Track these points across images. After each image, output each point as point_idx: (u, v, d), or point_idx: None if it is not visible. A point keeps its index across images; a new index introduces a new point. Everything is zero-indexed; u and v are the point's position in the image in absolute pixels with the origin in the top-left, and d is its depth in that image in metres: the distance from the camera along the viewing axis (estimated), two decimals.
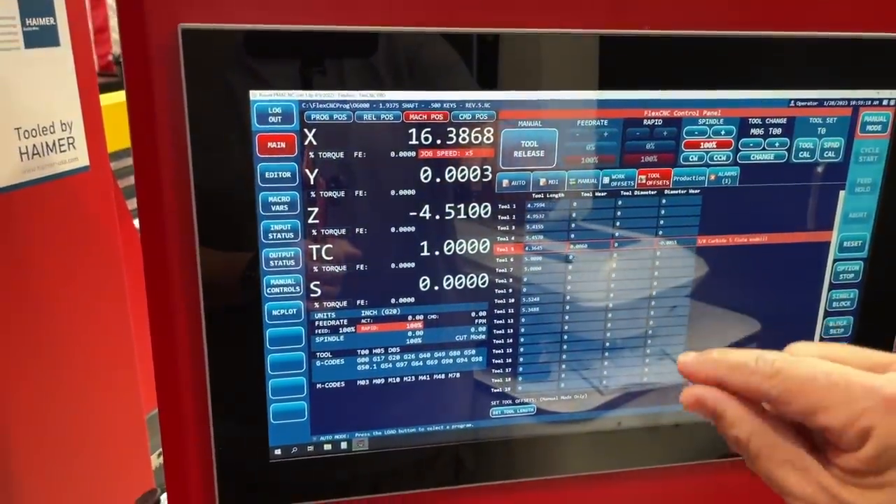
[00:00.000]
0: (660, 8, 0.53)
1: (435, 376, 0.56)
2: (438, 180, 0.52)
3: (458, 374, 0.57)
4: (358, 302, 0.54)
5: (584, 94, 0.52)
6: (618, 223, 0.56)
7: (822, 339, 0.61)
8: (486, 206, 0.53)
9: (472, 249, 0.54)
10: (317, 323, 0.53)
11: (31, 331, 0.73)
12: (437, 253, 0.54)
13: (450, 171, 0.52)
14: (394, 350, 0.55)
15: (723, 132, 0.55)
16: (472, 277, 0.55)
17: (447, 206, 0.53)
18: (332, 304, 0.53)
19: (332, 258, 0.52)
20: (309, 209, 0.51)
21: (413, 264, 0.54)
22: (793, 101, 0.55)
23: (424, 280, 0.54)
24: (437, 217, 0.53)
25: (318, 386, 0.55)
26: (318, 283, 0.53)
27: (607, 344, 0.58)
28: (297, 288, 0.52)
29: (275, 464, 0.56)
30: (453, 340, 0.56)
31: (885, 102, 0.57)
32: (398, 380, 0.56)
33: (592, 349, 0.58)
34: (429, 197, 0.52)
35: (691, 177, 0.56)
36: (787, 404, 0.33)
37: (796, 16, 0.55)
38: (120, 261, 0.84)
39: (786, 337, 0.61)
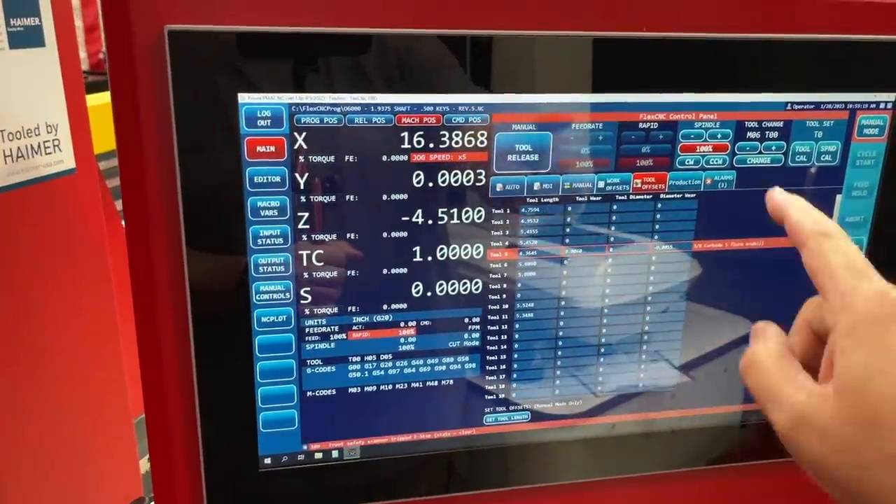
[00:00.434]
0: (656, 10, 0.52)
1: (428, 383, 0.56)
2: (431, 184, 0.51)
3: (451, 381, 0.56)
4: (349, 308, 0.53)
5: (578, 98, 0.52)
6: (613, 228, 0.55)
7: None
8: (479, 211, 0.52)
9: (466, 254, 0.53)
10: (307, 330, 0.52)
11: (17, 335, 0.72)
12: (429, 258, 0.53)
13: (443, 175, 0.51)
14: (386, 357, 0.54)
15: (719, 136, 0.54)
16: (465, 283, 0.54)
17: (440, 210, 0.52)
18: (323, 310, 0.52)
19: (322, 264, 0.51)
20: (299, 214, 0.50)
21: (405, 270, 0.53)
22: (789, 105, 0.55)
23: (417, 286, 0.53)
24: (430, 222, 0.52)
25: (309, 394, 0.54)
26: (308, 289, 0.52)
27: (602, 350, 0.58)
28: (287, 294, 0.51)
29: (265, 473, 0.55)
30: (446, 347, 0.55)
31: (881, 106, 0.56)
32: (390, 387, 0.55)
33: (587, 354, 0.58)
34: (421, 201, 0.51)
35: (687, 181, 0.55)
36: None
37: (793, 18, 0.54)
38: (108, 265, 0.83)
39: None
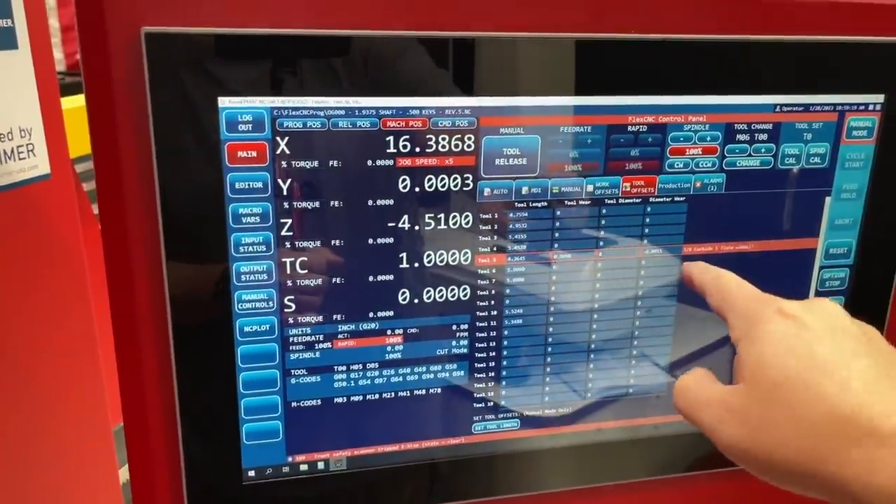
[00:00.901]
0: (644, 12, 0.51)
1: (415, 392, 0.54)
2: (417, 189, 0.50)
3: (438, 390, 0.55)
4: (334, 316, 0.51)
5: (566, 100, 0.51)
6: (602, 232, 0.54)
7: None
8: (467, 216, 0.51)
9: (453, 260, 0.52)
10: (291, 339, 0.51)
11: None
12: (416, 264, 0.52)
13: (429, 179, 0.50)
14: (372, 366, 0.53)
15: (708, 138, 0.54)
16: (453, 289, 0.53)
17: (427, 216, 0.51)
18: (308, 318, 0.51)
19: (306, 271, 0.50)
20: (282, 221, 0.49)
21: (392, 276, 0.52)
22: (779, 107, 0.54)
23: (404, 293, 0.52)
24: (417, 227, 0.51)
25: (294, 404, 0.52)
26: (292, 297, 0.50)
27: (592, 355, 0.57)
28: (270, 303, 0.50)
29: (248, 486, 0.53)
30: (434, 354, 0.54)
31: (870, 107, 0.56)
32: (377, 396, 0.54)
33: (577, 360, 0.57)
34: (408, 207, 0.50)
35: (677, 184, 0.54)
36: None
37: (782, 20, 0.54)
38: (84, 272, 0.81)
39: None
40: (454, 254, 0.52)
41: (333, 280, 0.51)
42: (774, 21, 0.54)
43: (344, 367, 0.53)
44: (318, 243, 0.50)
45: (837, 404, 0.35)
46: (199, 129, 0.46)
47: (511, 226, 0.52)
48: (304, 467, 0.54)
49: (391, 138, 0.49)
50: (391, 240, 0.51)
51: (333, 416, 0.53)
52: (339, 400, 0.53)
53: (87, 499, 0.87)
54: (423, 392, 0.55)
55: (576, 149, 0.52)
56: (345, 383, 0.53)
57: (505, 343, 0.55)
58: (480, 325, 0.54)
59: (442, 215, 0.51)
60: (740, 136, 0.54)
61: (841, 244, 0.58)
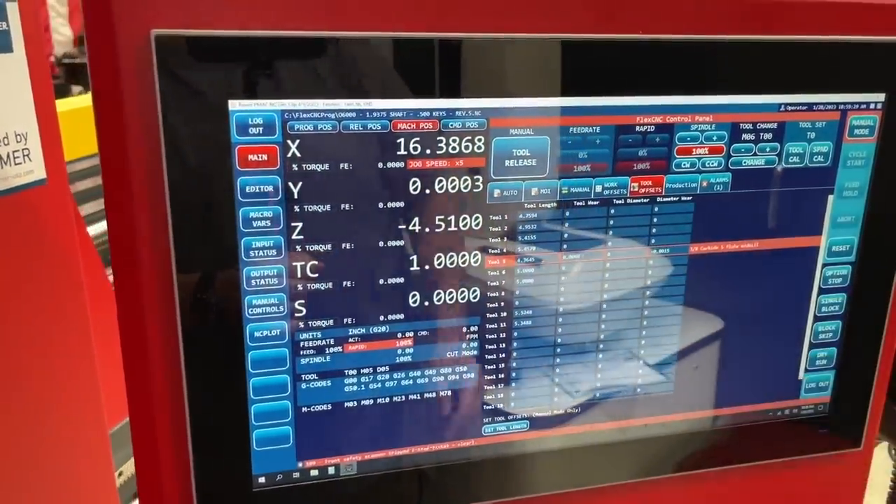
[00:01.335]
0: (651, 13, 0.51)
1: (426, 395, 0.54)
2: (428, 191, 0.50)
3: (449, 392, 0.55)
4: (345, 320, 0.51)
5: (575, 101, 0.51)
6: (611, 232, 0.54)
7: (811, 345, 0.61)
8: (477, 218, 0.51)
9: (464, 262, 0.52)
10: (302, 343, 0.51)
11: None
12: (427, 267, 0.51)
13: (440, 181, 0.50)
14: (383, 369, 0.53)
15: (714, 138, 0.54)
16: (463, 292, 0.53)
17: (437, 218, 0.51)
18: (318, 323, 0.51)
19: (317, 275, 0.50)
20: (292, 224, 0.48)
21: (402, 279, 0.51)
22: (783, 106, 0.55)
23: (414, 295, 0.52)
24: (427, 230, 0.51)
25: (304, 409, 0.52)
26: (302, 301, 0.50)
27: (601, 355, 0.57)
28: (281, 307, 0.50)
29: (258, 493, 0.53)
30: (445, 357, 0.54)
31: (871, 106, 0.56)
32: (387, 400, 0.53)
33: (587, 361, 0.57)
34: (418, 209, 0.50)
35: (683, 184, 0.54)
36: None
37: (785, 19, 0.54)
38: (80, 275, 0.79)
39: (776, 344, 0.61)
40: (464, 256, 0.52)
41: (344, 283, 0.50)
42: (778, 21, 0.54)
43: (355, 371, 0.52)
44: (328, 247, 0.49)
45: None
46: (210, 133, 0.46)
47: (520, 227, 0.52)
48: (314, 473, 0.54)
49: (402, 140, 0.48)
50: (402, 242, 0.51)
51: (344, 420, 0.53)
52: (350, 404, 0.53)
53: (83, 500, 0.86)
54: (434, 395, 0.54)
55: (585, 149, 0.52)
56: (355, 387, 0.53)
57: (515, 344, 0.55)
58: (491, 326, 0.54)
59: (452, 217, 0.51)
60: (746, 136, 0.54)
61: (843, 242, 0.59)
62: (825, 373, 0.62)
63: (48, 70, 0.68)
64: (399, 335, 0.52)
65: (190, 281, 0.48)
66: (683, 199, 0.55)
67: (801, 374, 0.62)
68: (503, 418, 0.56)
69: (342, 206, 0.49)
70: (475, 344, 0.54)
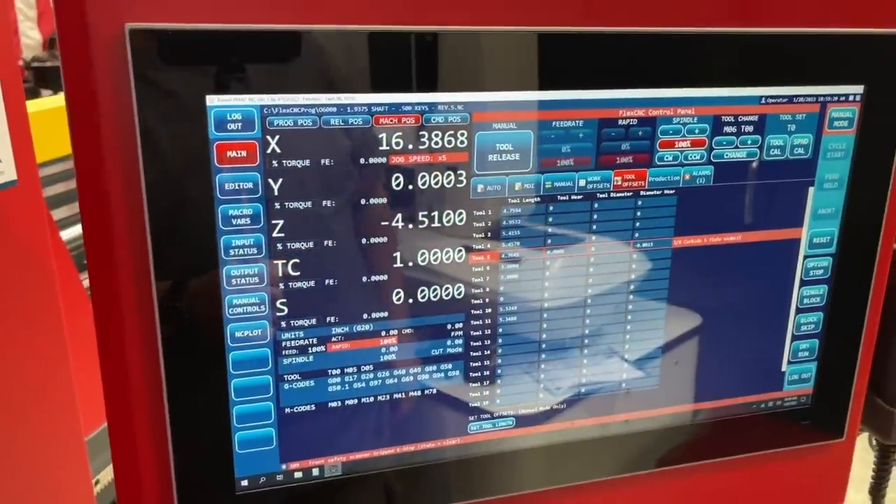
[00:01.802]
0: (633, 6, 0.51)
1: (410, 394, 0.54)
2: (411, 187, 0.49)
3: (434, 390, 0.54)
4: (328, 319, 0.50)
5: (558, 94, 0.50)
6: (594, 227, 0.54)
7: (794, 337, 0.61)
8: (460, 214, 0.51)
9: (447, 259, 0.52)
10: (284, 343, 0.50)
11: None
12: (410, 264, 0.51)
13: (423, 177, 0.49)
14: (367, 368, 0.52)
15: (696, 131, 0.54)
16: (447, 288, 0.52)
17: (420, 214, 0.50)
18: (300, 322, 0.50)
19: (298, 273, 0.49)
20: (273, 222, 0.47)
21: (385, 277, 0.51)
22: (763, 99, 0.55)
23: (398, 293, 0.51)
24: (410, 226, 0.50)
25: (287, 410, 0.51)
26: (284, 300, 0.49)
27: (585, 350, 0.57)
28: (262, 307, 0.49)
29: (241, 496, 0.52)
30: (429, 355, 0.53)
31: (850, 98, 0.57)
32: (372, 399, 0.53)
33: (572, 356, 0.56)
34: (401, 205, 0.49)
35: (666, 177, 0.54)
36: None
37: (764, 13, 0.54)
38: (53, 279, 0.78)
39: (759, 336, 0.61)
40: (448, 252, 0.51)
41: (326, 281, 0.49)
42: (758, 14, 0.54)
43: (338, 371, 0.51)
44: (310, 244, 0.48)
45: None
46: (187, 129, 0.45)
47: (504, 222, 0.52)
48: (298, 475, 0.53)
49: (384, 135, 0.48)
50: (384, 239, 0.50)
51: (328, 421, 0.52)
52: (334, 404, 0.52)
53: None
54: (419, 393, 0.54)
55: (568, 143, 0.52)
56: (339, 387, 0.52)
57: (500, 340, 0.54)
58: (475, 322, 0.53)
59: (436, 213, 0.50)
60: (727, 129, 0.55)
61: (824, 233, 0.59)
62: (807, 364, 0.62)
63: (18, 71, 0.67)
64: (383, 333, 0.52)
65: (168, 281, 0.47)
66: (666, 192, 0.55)
67: (784, 366, 0.62)
68: (489, 416, 0.56)
69: (323, 202, 0.48)
70: (460, 341, 0.53)
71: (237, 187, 0.46)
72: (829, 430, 0.65)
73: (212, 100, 0.44)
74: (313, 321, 0.50)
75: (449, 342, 0.53)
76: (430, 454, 0.55)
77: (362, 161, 0.48)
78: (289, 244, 0.48)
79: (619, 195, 0.54)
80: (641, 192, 0.54)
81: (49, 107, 1.52)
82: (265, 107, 0.45)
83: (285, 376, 0.50)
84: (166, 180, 0.45)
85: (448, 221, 0.51)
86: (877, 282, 0.62)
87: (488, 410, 0.56)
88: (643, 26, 0.51)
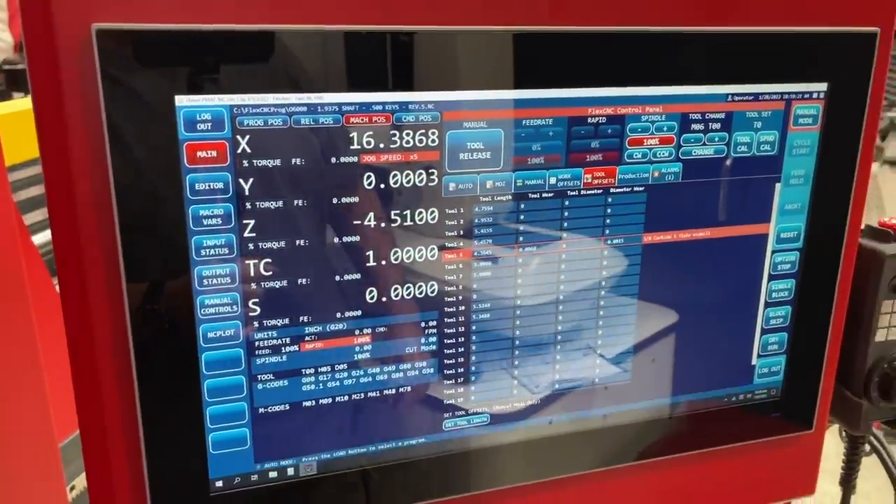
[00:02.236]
0: (601, 5, 0.52)
1: (385, 392, 0.54)
2: (383, 186, 0.49)
3: (408, 388, 0.54)
4: (301, 318, 0.50)
5: (528, 93, 0.51)
6: (565, 224, 0.55)
7: (763, 331, 0.62)
8: (433, 212, 0.51)
9: (420, 257, 0.52)
10: (257, 343, 0.50)
11: None
12: (383, 262, 0.51)
13: (394, 176, 0.50)
14: (341, 367, 0.52)
15: (665, 128, 0.55)
16: (420, 286, 0.52)
17: (393, 213, 0.50)
18: (273, 322, 0.50)
19: (271, 273, 0.49)
20: (244, 222, 0.47)
21: (358, 275, 0.51)
22: (730, 96, 0.56)
23: (371, 292, 0.51)
24: (383, 225, 0.50)
25: (261, 410, 0.51)
26: (256, 300, 0.49)
27: (558, 346, 0.57)
28: (234, 307, 0.49)
29: (216, 497, 0.52)
30: (403, 353, 0.53)
31: (814, 95, 0.58)
32: (346, 398, 0.53)
33: (544, 352, 0.57)
34: (373, 204, 0.50)
35: (636, 174, 0.55)
36: None
37: (730, 12, 0.55)
38: (24, 282, 0.77)
39: (728, 330, 0.62)
40: (421, 250, 0.52)
41: (299, 281, 0.50)
42: (724, 13, 0.55)
43: (312, 370, 0.52)
44: (282, 244, 0.48)
45: None
46: (156, 130, 0.44)
47: (476, 220, 0.52)
48: (273, 475, 0.53)
49: (355, 134, 0.48)
50: (357, 238, 0.50)
51: (302, 420, 0.52)
52: (308, 404, 0.52)
53: None
54: (393, 391, 0.54)
55: (538, 142, 0.52)
56: (313, 386, 0.52)
57: (474, 337, 0.55)
58: (449, 320, 0.54)
59: (408, 212, 0.51)
60: (695, 126, 0.55)
61: (791, 228, 0.60)
62: (777, 357, 0.64)
63: None
64: (357, 332, 0.52)
65: (139, 283, 0.47)
66: (636, 189, 0.56)
67: (755, 360, 0.63)
68: (464, 413, 0.56)
69: (295, 202, 0.48)
70: (434, 339, 0.54)
71: (208, 187, 0.46)
72: (799, 422, 0.66)
73: (181, 100, 0.44)
74: (286, 321, 0.50)
75: (423, 340, 0.54)
76: (406, 452, 0.56)
77: (333, 160, 0.48)
78: (260, 244, 0.48)
79: (589, 192, 0.54)
80: (611, 190, 0.55)
81: (20, 109, 1.50)
82: (235, 106, 0.45)
83: (259, 376, 0.50)
84: (136, 182, 0.45)
85: (420, 220, 0.51)
86: (843, 275, 0.63)
87: (463, 407, 0.56)
88: (610, 26, 0.52)
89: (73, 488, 1.36)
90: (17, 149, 1.44)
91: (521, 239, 0.54)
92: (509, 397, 0.57)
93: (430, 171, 0.50)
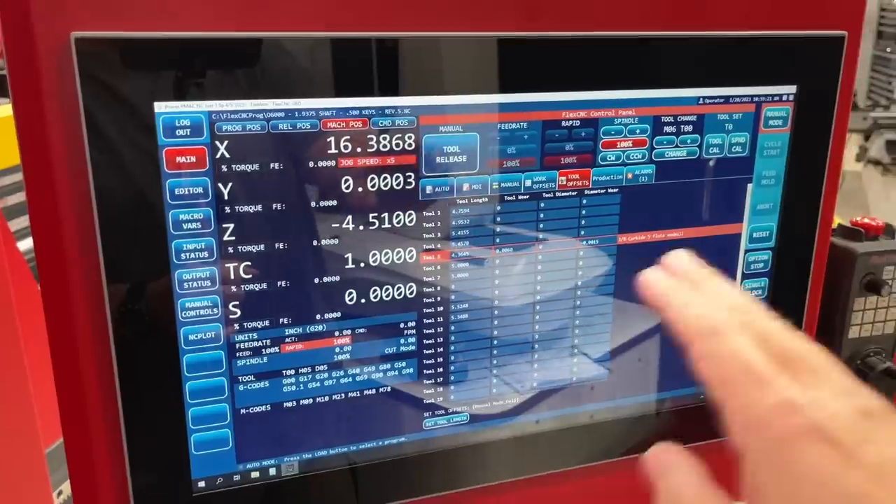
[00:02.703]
0: (574, 11, 0.53)
1: (365, 392, 0.55)
2: (361, 189, 0.50)
3: (388, 389, 0.55)
4: (281, 320, 0.51)
5: (503, 98, 0.52)
6: (541, 225, 0.56)
7: None
8: (410, 215, 0.52)
9: (399, 259, 0.53)
10: (237, 345, 0.51)
11: None
12: (362, 265, 0.52)
13: (372, 179, 0.51)
14: (321, 368, 0.53)
15: (638, 131, 0.56)
16: (399, 288, 0.53)
17: (371, 215, 0.51)
18: (254, 324, 0.51)
19: (250, 276, 0.50)
20: (224, 226, 0.48)
21: (338, 278, 0.52)
22: (701, 99, 0.57)
23: (350, 293, 0.52)
24: (361, 228, 0.51)
25: (243, 411, 0.52)
26: (237, 303, 0.50)
27: (536, 346, 0.58)
28: (215, 310, 0.49)
29: (199, 497, 0.52)
30: (383, 354, 0.54)
31: (784, 98, 0.59)
32: (327, 399, 0.54)
33: (523, 352, 0.58)
34: (351, 207, 0.51)
35: (610, 176, 0.56)
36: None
37: (700, 15, 0.56)
38: (8, 287, 0.77)
39: None
40: (399, 252, 0.53)
41: (278, 283, 0.50)
42: (695, 17, 0.56)
43: (293, 371, 0.52)
44: (261, 247, 0.49)
45: None
46: (136, 136, 0.45)
47: (453, 222, 0.53)
48: (255, 475, 0.54)
49: (332, 139, 0.49)
50: (336, 241, 0.51)
51: (284, 421, 0.53)
52: (289, 404, 0.53)
53: None
54: (374, 392, 0.55)
55: (513, 145, 0.53)
56: (294, 387, 0.53)
57: (452, 338, 0.56)
58: (427, 321, 0.55)
59: (385, 214, 0.52)
60: (667, 128, 0.57)
61: (763, 228, 0.62)
62: None
63: None
64: (336, 333, 0.53)
65: (120, 287, 0.47)
66: (610, 191, 0.57)
67: None
68: (443, 412, 0.57)
69: (274, 206, 0.49)
70: (413, 339, 0.55)
71: (187, 192, 0.47)
72: None
73: (160, 107, 0.45)
74: (266, 323, 0.51)
75: (402, 341, 0.55)
76: (386, 451, 0.57)
77: (311, 164, 0.49)
78: (240, 247, 0.49)
79: (564, 195, 0.55)
80: (586, 192, 0.56)
81: (4, 115, 1.50)
82: (213, 112, 0.46)
83: (240, 378, 0.51)
84: (116, 187, 0.46)
85: (398, 222, 0.52)
86: (815, 273, 0.64)
87: (443, 406, 0.57)
88: (583, 30, 0.53)
89: (59, 493, 1.36)
90: (1, 154, 1.44)
91: (497, 240, 0.55)
92: (489, 396, 0.58)
93: (408, 174, 0.51)
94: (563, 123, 0.54)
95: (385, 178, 0.51)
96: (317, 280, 0.51)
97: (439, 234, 0.53)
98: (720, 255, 0.61)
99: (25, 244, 1.55)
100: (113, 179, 0.45)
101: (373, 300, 0.53)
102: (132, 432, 0.49)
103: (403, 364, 0.55)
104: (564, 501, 0.65)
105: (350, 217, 0.51)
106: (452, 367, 0.56)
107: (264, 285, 0.50)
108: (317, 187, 0.50)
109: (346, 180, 0.50)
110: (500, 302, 0.56)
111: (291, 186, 0.49)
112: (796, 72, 0.59)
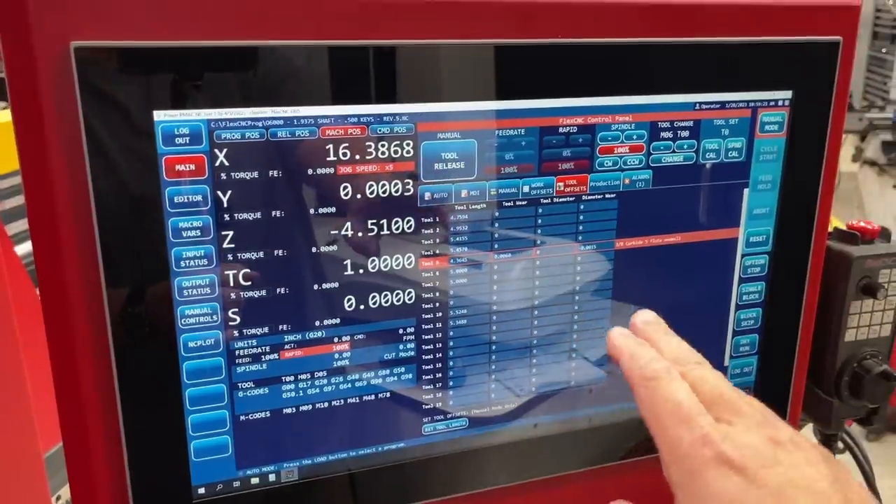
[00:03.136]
0: (570, 18, 0.53)
1: (364, 398, 0.55)
2: (359, 196, 0.51)
3: (387, 394, 0.55)
4: (280, 327, 0.51)
5: (500, 104, 0.52)
6: (539, 231, 0.56)
7: (734, 333, 0.64)
8: (409, 221, 0.52)
9: (397, 265, 0.53)
10: (237, 352, 0.51)
11: None
12: (361, 271, 0.52)
13: (370, 186, 0.51)
14: (320, 374, 0.53)
15: (634, 137, 0.56)
16: (398, 294, 0.54)
17: (370, 222, 0.51)
18: (253, 331, 0.51)
19: (250, 283, 0.50)
20: (223, 233, 0.48)
21: (337, 284, 0.52)
22: (698, 105, 0.57)
23: (349, 300, 0.52)
24: (360, 234, 0.51)
25: (242, 418, 0.52)
26: (236, 310, 0.50)
27: (535, 350, 0.59)
28: (214, 317, 0.50)
29: (198, 503, 0.53)
30: (382, 359, 0.54)
31: (780, 103, 0.59)
32: (326, 405, 0.54)
33: (521, 357, 0.58)
34: (350, 214, 0.51)
35: (607, 181, 0.56)
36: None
37: (697, 22, 0.57)
38: (7, 292, 0.77)
39: (701, 333, 0.63)
40: (398, 259, 0.53)
41: (278, 290, 0.51)
42: (691, 24, 0.57)
43: (292, 378, 0.53)
44: (260, 254, 0.49)
45: None
46: (135, 145, 0.45)
47: (452, 228, 0.54)
48: (255, 481, 0.54)
49: (331, 146, 0.49)
50: (335, 248, 0.51)
51: (283, 427, 0.53)
52: (289, 411, 0.53)
53: None
54: (373, 397, 0.55)
55: (511, 151, 0.53)
56: (293, 393, 0.53)
57: (451, 343, 0.56)
58: (426, 327, 0.55)
59: (384, 221, 0.52)
60: (664, 134, 0.57)
61: (760, 232, 0.62)
62: (749, 358, 0.65)
63: None
64: (335, 340, 0.53)
65: (120, 294, 0.47)
66: (607, 196, 0.57)
67: (727, 361, 0.65)
68: (443, 417, 0.57)
69: (273, 213, 0.49)
70: (412, 345, 0.55)
71: (187, 200, 0.47)
72: None
73: (159, 115, 0.45)
74: (266, 330, 0.51)
75: (401, 346, 0.55)
76: (385, 457, 0.57)
77: (310, 172, 0.49)
78: (240, 254, 0.49)
79: (561, 200, 0.56)
80: (583, 197, 0.56)
81: (3, 120, 1.50)
82: (212, 121, 0.46)
83: (239, 384, 0.51)
84: (115, 195, 0.46)
85: (397, 229, 0.52)
86: (812, 276, 0.65)
87: (442, 411, 0.57)
88: (580, 38, 0.53)
89: (58, 498, 1.36)
90: (1, 159, 1.44)
91: (496, 246, 0.55)
92: (488, 401, 0.58)
93: (406, 181, 0.51)
94: (561, 130, 0.54)
95: (384, 184, 0.51)
96: (315, 287, 0.51)
97: (438, 240, 0.53)
98: (717, 260, 0.62)
99: (23, 248, 1.55)
100: (112, 187, 0.46)
101: (372, 306, 0.53)
102: (132, 438, 0.50)
103: (402, 369, 0.55)
104: None
105: (349, 224, 0.51)
106: (451, 373, 0.57)
107: (264, 292, 0.50)
108: (315, 194, 0.50)
109: (345, 187, 0.50)
110: (498, 307, 0.56)
111: (290, 194, 0.49)
112: (792, 77, 0.59)
